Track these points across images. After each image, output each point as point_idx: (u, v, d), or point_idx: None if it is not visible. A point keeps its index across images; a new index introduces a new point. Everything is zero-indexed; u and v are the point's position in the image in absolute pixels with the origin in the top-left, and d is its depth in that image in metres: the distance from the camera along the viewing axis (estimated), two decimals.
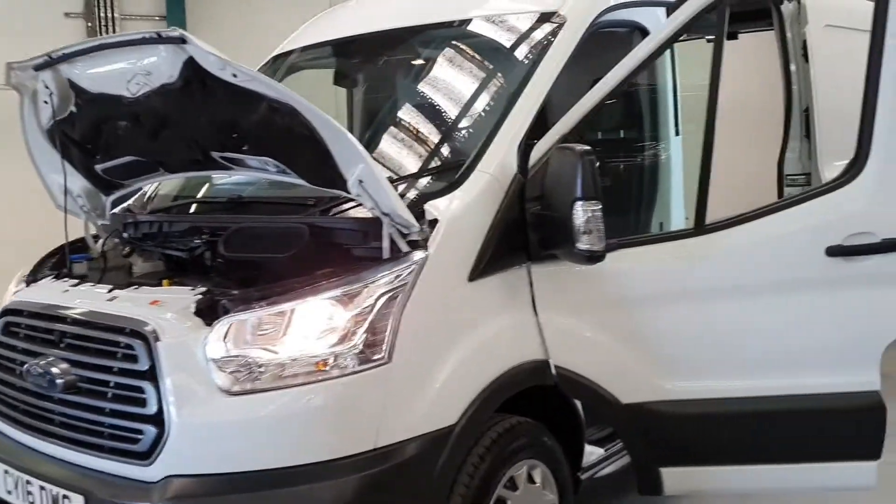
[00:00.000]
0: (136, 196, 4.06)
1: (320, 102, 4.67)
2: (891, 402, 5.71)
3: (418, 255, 2.91)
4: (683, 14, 3.26)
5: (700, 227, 3.29)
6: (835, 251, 3.20)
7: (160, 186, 4.10)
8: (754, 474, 3.39)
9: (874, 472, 3.38)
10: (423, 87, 3.86)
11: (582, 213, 2.96)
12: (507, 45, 3.71)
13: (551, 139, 3.21)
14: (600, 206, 2.96)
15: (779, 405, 3.31)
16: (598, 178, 2.96)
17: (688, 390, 3.33)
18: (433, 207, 3.05)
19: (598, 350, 3.29)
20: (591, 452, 3.70)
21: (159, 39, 2.86)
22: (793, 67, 4.57)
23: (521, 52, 3.62)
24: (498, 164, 3.17)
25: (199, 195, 4.04)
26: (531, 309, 3.22)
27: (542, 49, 3.49)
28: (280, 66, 4.45)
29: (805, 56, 4.95)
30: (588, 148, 2.99)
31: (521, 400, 3.20)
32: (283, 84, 3.04)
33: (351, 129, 4.62)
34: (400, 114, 3.94)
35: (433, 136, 3.61)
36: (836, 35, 5.32)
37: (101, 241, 3.77)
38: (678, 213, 4.05)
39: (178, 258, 3.41)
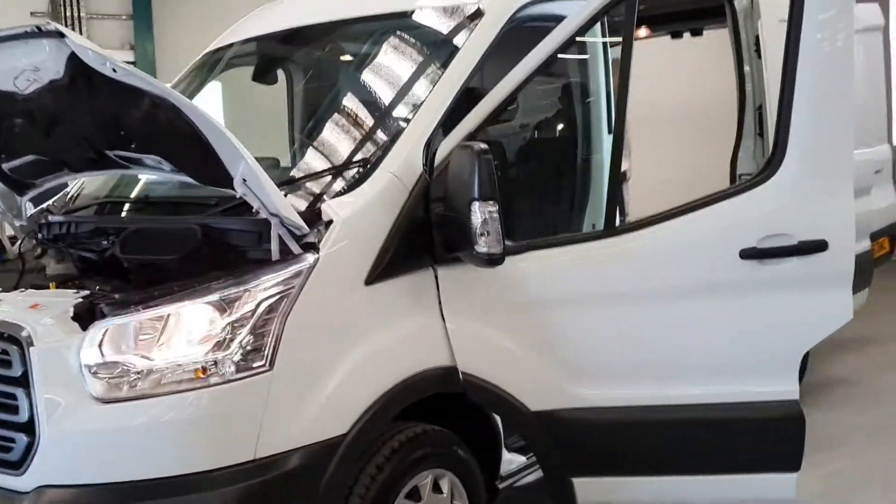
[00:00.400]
0: (59, 195, 3.96)
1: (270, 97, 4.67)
2: (848, 406, 5.69)
3: (308, 258, 2.80)
4: (589, 8, 3.15)
5: (610, 228, 3.19)
6: (749, 254, 3.08)
7: (83, 185, 4.00)
8: (669, 485, 3.28)
9: (793, 485, 3.27)
10: (339, 83, 3.77)
11: (479, 214, 2.86)
12: (423, 40, 3.61)
13: (457, 136, 3.10)
14: (497, 208, 2.86)
15: (694, 414, 3.20)
16: (495, 178, 2.85)
17: (600, 397, 3.22)
18: (330, 208, 2.94)
19: (506, 356, 3.19)
20: (512, 461, 3.61)
21: (39, 34, 2.76)
22: (746, 65, 4.46)
23: (435, 48, 3.52)
24: (402, 163, 3.07)
25: (119, 195, 3.94)
26: (438, 313, 3.11)
27: (454, 45, 3.38)
28: (218, 60, 4.35)
29: (758, 52, 4.88)
30: (485, 146, 2.88)
31: (435, 407, 3.11)
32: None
33: (291, 126, 4.54)
34: (319, 111, 3.85)
35: (343, 134, 3.50)
36: None
37: (17, 243, 3.68)
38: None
39: (89, 260, 3.32)
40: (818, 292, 3.12)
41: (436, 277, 3.11)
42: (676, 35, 5.58)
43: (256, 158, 3.94)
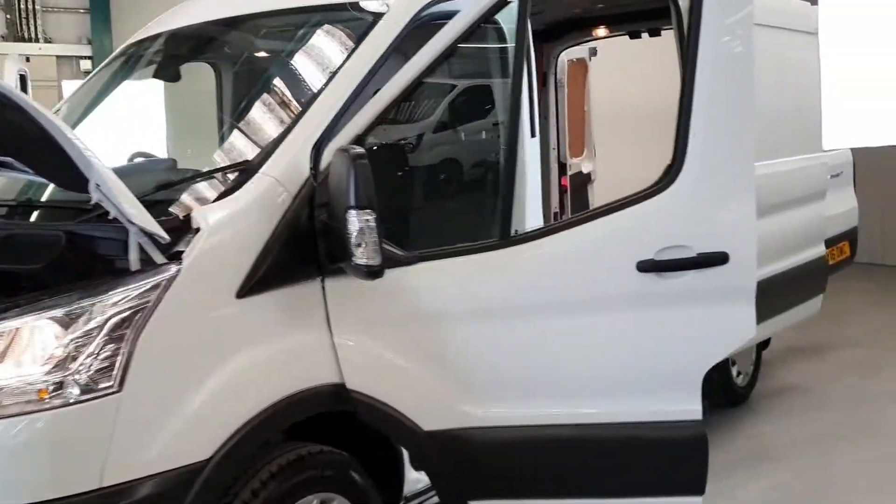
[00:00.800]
0: None
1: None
2: (796, 415, 5.52)
3: (170, 268, 2.61)
4: (479, 6, 2.96)
5: (506, 237, 3.00)
6: (646, 266, 2.90)
7: None
8: None
9: None
10: (238, 82, 3.58)
11: (355, 222, 2.67)
12: (323, 37, 3.41)
13: (345, 138, 2.91)
14: (374, 217, 2.66)
15: (593, 433, 3.02)
16: (371, 185, 2.66)
17: (496, 416, 3.03)
18: (200, 214, 2.75)
19: (398, 373, 2.99)
20: (419, 480, 3.43)
21: None
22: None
23: (335, 46, 3.32)
24: (286, 167, 2.87)
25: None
26: (325, 328, 2.92)
27: (354, 42, 3.19)
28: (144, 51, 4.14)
29: None
30: (361, 151, 2.69)
31: (334, 426, 2.95)
32: None
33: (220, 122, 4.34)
34: (221, 110, 3.66)
35: (236, 135, 3.33)
36: None
37: None
38: (535, 222, 3.75)
39: None
40: (720, 307, 2.94)
41: (323, 289, 2.92)
42: (635, 35, 5.42)
43: (152, 159, 3.78)
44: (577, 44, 6.82)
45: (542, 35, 6.65)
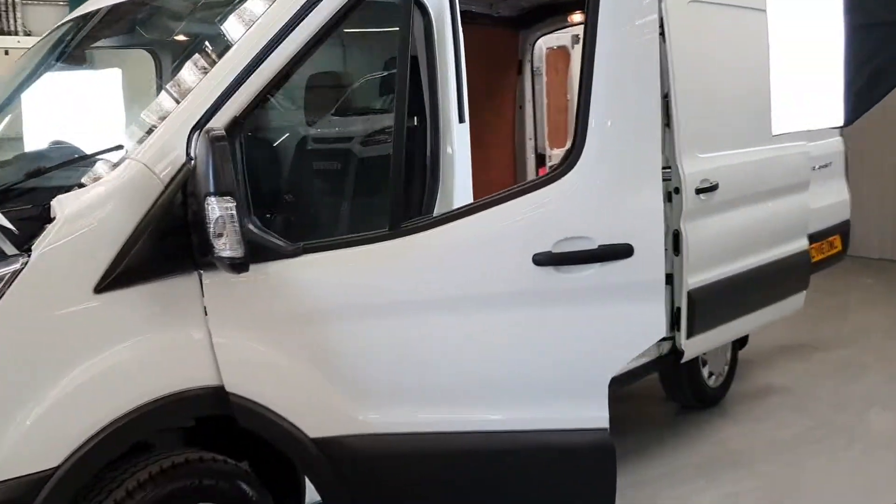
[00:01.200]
0: None
1: None
2: (772, 418, 5.23)
3: (16, 262, 2.41)
4: None
5: (395, 228, 2.76)
6: (543, 259, 2.65)
7: None
8: None
9: None
10: (160, 62, 3.36)
11: (215, 210, 2.45)
12: (228, 17, 3.19)
13: (221, 121, 2.69)
14: (236, 204, 2.45)
15: (492, 442, 2.78)
16: (231, 170, 2.45)
17: (387, 423, 2.79)
18: (59, 203, 2.55)
19: (281, 375, 2.77)
20: None
21: None
22: None
23: (234, 25, 3.10)
24: (158, 152, 2.66)
25: None
26: (203, 325, 2.71)
27: (252, 17, 2.96)
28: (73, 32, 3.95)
29: (663, 35, 4.43)
30: (221, 133, 2.47)
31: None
32: None
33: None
34: (125, 92, 3.46)
35: (123, 118, 3.12)
36: (700, 10, 4.76)
37: None
38: None
39: None
40: (626, 305, 2.69)
41: (201, 284, 2.71)
42: None
43: (58, 146, 3.57)
44: (555, 30, 6.57)
45: (517, 22, 6.41)
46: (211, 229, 2.45)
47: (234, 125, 2.67)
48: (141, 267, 2.59)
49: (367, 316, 2.76)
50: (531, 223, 2.70)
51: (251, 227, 2.61)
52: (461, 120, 3.58)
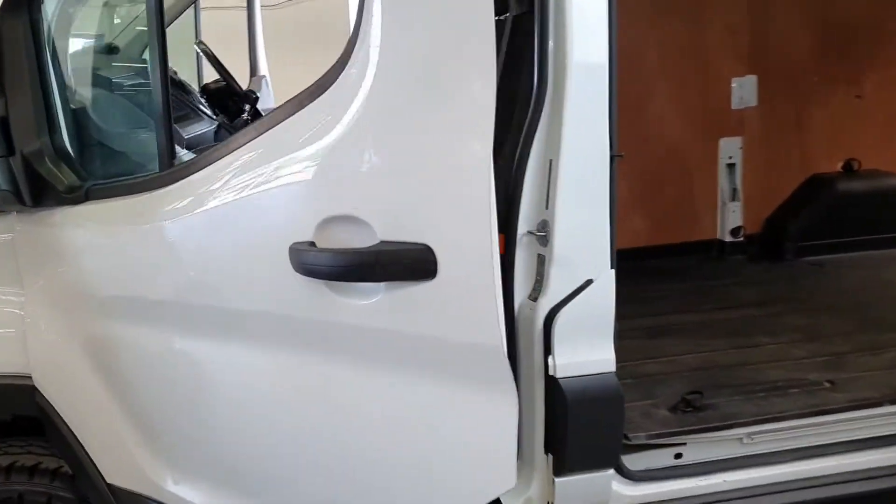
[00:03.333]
0: None
1: None
2: None
3: None
4: None
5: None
6: (300, 262, 1.77)
7: None
8: None
9: None
10: None
11: None
12: None
13: None
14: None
15: None
16: None
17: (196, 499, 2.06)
18: None
19: (77, 384, 2.10)
20: None
21: None
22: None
23: None
24: None
25: None
26: (17, 287, 2.12)
27: None
28: None
29: None
30: None
31: None
32: None
33: None
34: None
35: None
36: None
37: None
38: None
39: None
40: (437, 388, 1.87)
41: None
42: None
43: None
44: None
45: None
46: None
47: None
48: None
49: (144, 320, 1.97)
50: (291, 177, 1.76)
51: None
52: None
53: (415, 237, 1.68)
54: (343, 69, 1.69)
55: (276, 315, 1.80)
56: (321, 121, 1.70)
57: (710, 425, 2.33)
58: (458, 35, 1.65)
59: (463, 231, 1.68)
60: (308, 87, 1.74)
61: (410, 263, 1.68)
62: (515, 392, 1.83)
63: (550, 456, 2.09)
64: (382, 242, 1.68)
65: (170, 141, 1.91)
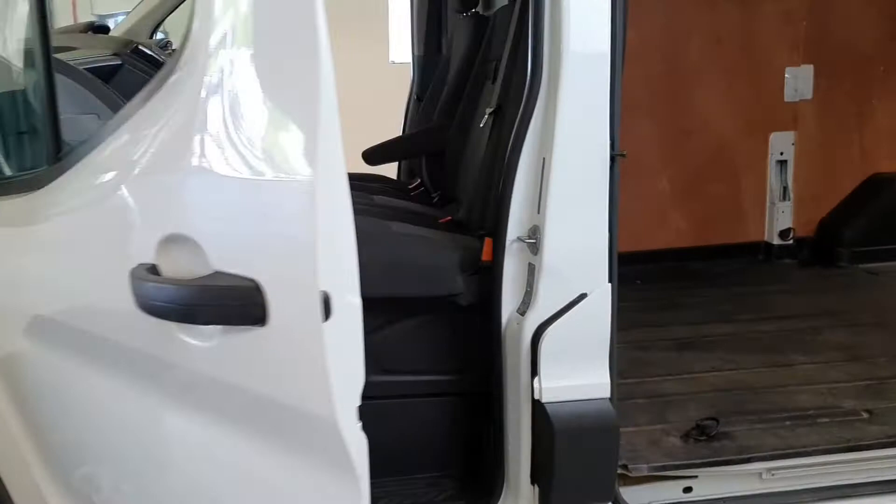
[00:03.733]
0: None
1: None
2: None
3: None
4: None
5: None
6: (139, 295, 1.47)
7: None
8: None
9: None
10: None
11: None
12: None
13: None
14: None
15: None
16: None
17: None
18: None
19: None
20: None
21: None
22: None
23: None
24: None
25: None
26: None
27: None
28: None
29: None
30: None
31: None
32: None
33: None
34: None
35: None
36: None
37: None
38: None
39: None
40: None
41: None
42: None
43: None
44: None
45: None
46: None
47: None
48: None
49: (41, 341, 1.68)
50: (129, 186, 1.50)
51: None
52: None
53: (245, 270, 1.36)
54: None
55: (123, 346, 1.54)
56: (158, 123, 1.46)
57: (722, 458, 2.09)
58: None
59: (291, 268, 1.37)
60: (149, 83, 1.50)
61: (238, 305, 1.36)
62: (359, 481, 1.45)
63: (536, 487, 1.93)
64: (216, 273, 1.38)
65: (56, 132, 1.67)
